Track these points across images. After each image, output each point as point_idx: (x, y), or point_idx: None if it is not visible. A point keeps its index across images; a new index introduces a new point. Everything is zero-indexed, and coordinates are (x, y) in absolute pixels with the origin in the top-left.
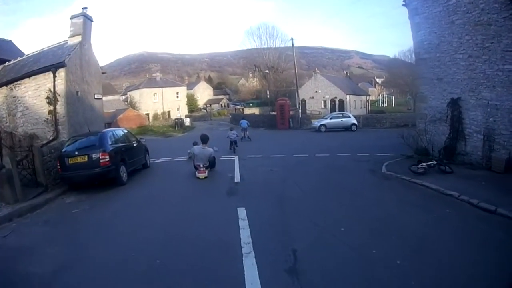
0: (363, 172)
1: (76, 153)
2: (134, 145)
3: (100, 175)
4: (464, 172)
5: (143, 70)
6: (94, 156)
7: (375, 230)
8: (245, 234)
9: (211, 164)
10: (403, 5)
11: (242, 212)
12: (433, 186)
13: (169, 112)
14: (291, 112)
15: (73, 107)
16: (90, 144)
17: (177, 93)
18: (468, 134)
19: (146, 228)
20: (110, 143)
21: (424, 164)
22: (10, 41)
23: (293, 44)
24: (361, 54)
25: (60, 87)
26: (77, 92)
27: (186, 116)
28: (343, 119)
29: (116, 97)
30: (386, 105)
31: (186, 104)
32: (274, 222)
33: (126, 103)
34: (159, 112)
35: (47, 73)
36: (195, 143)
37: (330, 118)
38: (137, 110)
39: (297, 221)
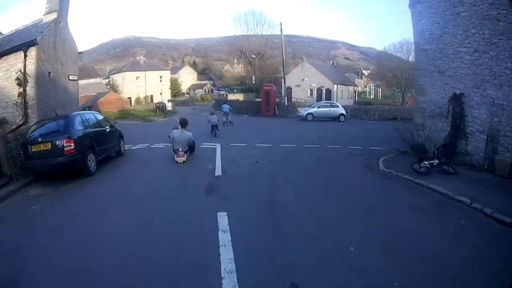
0: (359, 168)
1: (40, 139)
2: (107, 130)
3: (65, 164)
4: (468, 174)
5: (128, 54)
6: (58, 143)
7: (391, 249)
8: (226, 256)
9: (191, 148)
10: None
11: (223, 219)
12: (441, 190)
13: (151, 96)
14: (277, 100)
15: (44, 89)
16: (55, 129)
17: (161, 77)
18: (470, 132)
19: (101, 239)
20: (78, 128)
21: (426, 163)
22: None
23: (281, 30)
24: (348, 45)
25: (31, 67)
26: (49, 72)
27: (168, 101)
28: (331, 109)
29: (98, 80)
30: (373, 97)
31: (170, 88)
32: (264, 237)
33: (108, 86)
34: (142, 96)
35: (18, 53)
36: (175, 128)
37: (318, 107)
38: (119, 93)
39: (294, 236)
